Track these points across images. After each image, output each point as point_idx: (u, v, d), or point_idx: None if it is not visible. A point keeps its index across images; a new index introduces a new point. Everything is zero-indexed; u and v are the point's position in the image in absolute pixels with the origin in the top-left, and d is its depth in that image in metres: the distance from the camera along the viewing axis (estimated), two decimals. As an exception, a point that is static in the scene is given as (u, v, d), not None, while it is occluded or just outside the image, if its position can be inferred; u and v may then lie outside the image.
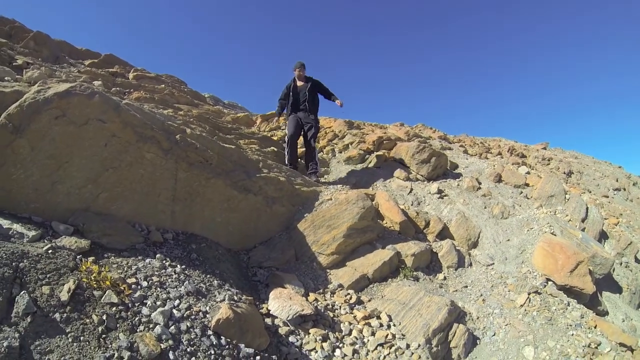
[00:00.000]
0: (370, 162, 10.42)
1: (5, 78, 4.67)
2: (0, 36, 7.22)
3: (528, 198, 9.43)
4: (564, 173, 11.00)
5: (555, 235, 7.73)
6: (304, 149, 9.70)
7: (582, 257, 6.81)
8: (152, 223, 5.19)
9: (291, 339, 4.61)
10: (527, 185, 10.03)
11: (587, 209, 9.32)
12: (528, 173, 10.96)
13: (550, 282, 6.71)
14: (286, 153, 9.25)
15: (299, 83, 9.52)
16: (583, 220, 8.84)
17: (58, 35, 9.65)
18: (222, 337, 3.89)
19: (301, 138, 9.56)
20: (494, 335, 5.77)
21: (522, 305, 6.20)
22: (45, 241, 3.85)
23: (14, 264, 3.26)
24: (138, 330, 3.41)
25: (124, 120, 4.94)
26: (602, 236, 9.08)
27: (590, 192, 11.40)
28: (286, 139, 9.32)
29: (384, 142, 11.07)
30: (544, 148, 15.17)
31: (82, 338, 3.05)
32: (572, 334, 5.61)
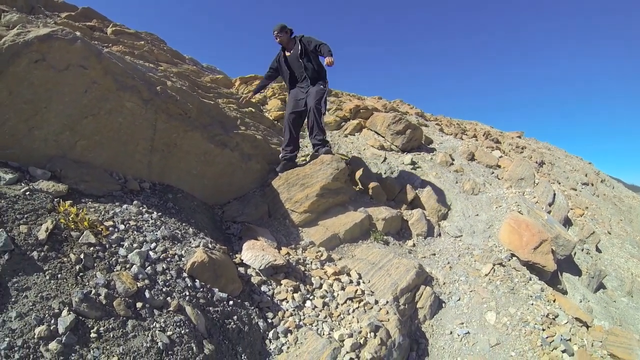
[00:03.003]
0: (346, 130, 10.50)
1: None
2: None
3: (499, 178, 9.68)
4: (536, 162, 11.28)
5: (522, 214, 7.99)
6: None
7: (546, 236, 7.06)
8: (130, 172, 5.19)
9: (263, 288, 4.72)
10: (499, 166, 10.28)
11: (554, 194, 9.60)
12: (501, 157, 11.15)
13: (514, 258, 6.97)
14: (283, 136, 7.64)
15: (288, 52, 7.70)
16: (550, 205, 9.12)
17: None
18: (196, 280, 4.00)
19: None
20: (459, 300, 6.01)
21: (486, 275, 6.44)
22: (22, 184, 3.82)
23: None
24: (115, 269, 3.47)
25: (106, 67, 4.86)
26: (567, 222, 9.40)
27: (559, 183, 11.71)
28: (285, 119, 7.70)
29: (361, 110, 11.14)
30: (519, 136, 15.45)
31: (59, 276, 3.09)
32: (532, 304, 5.87)
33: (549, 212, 8.77)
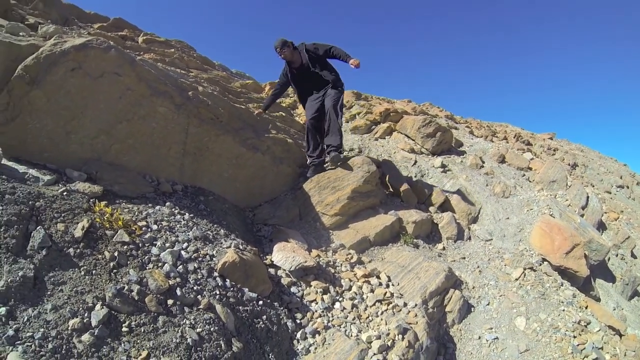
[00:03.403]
0: (376, 133, 10.46)
1: (20, 33, 4.70)
2: (5, 3, 7.18)
3: (530, 181, 9.50)
4: (569, 164, 11.05)
5: (554, 217, 7.85)
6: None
7: (578, 240, 6.92)
8: (162, 175, 5.31)
9: (293, 289, 4.75)
10: (530, 169, 10.09)
11: (587, 197, 9.39)
12: (532, 159, 10.95)
13: (546, 262, 6.81)
14: (305, 143, 7.36)
15: (295, 66, 7.19)
16: (583, 208, 8.92)
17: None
18: (227, 279, 4.04)
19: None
20: (488, 304, 5.92)
21: (517, 279, 6.33)
22: (60, 185, 3.96)
23: (30, 202, 3.37)
24: (147, 267, 3.56)
25: (139, 74, 5.01)
26: (601, 227, 9.15)
27: (593, 186, 11.40)
28: (305, 127, 7.33)
29: (391, 114, 11.06)
30: (551, 138, 15.02)
31: (94, 272, 3.18)
32: (564, 310, 5.74)
33: (582, 216, 8.57)
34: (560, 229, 7.11)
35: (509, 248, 7.22)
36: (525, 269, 6.51)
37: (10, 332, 2.49)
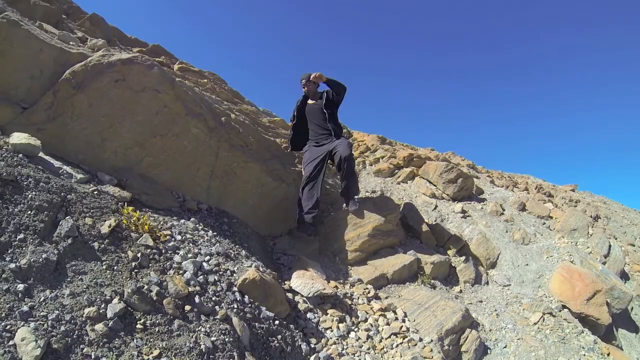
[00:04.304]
0: (399, 177, 10.43)
1: (70, 43, 4.90)
2: (55, 14, 7.52)
3: (551, 229, 9.25)
4: (591, 217, 10.75)
5: (574, 264, 7.63)
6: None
7: (600, 286, 6.68)
8: (189, 194, 5.34)
9: (309, 315, 4.65)
10: (551, 217, 9.83)
11: (610, 246, 9.08)
12: (553, 209, 10.66)
13: (565, 309, 6.55)
14: (298, 205, 6.43)
15: (311, 101, 7.02)
16: (605, 257, 8.59)
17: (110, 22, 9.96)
18: (246, 295, 4.00)
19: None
20: (505, 347, 5.70)
21: (535, 324, 6.12)
22: (92, 185, 4.01)
23: (62, 194, 3.42)
24: (168, 272, 3.55)
25: (177, 94, 5.13)
26: (623, 276, 8.77)
27: (616, 238, 11.00)
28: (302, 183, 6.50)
29: (414, 159, 11.06)
30: (573, 190, 14.65)
31: (115, 268, 3.19)
32: (584, 355, 5.52)
33: (604, 264, 8.30)
34: (581, 275, 6.87)
35: (527, 294, 7.00)
36: (544, 313, 6.29)
37: (25, 308, 2.47)
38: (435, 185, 10.04)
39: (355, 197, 6.89)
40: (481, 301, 6.73)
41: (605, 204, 13.03)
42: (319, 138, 6.81)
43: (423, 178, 10.39)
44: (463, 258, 7.49)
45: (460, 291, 6.87)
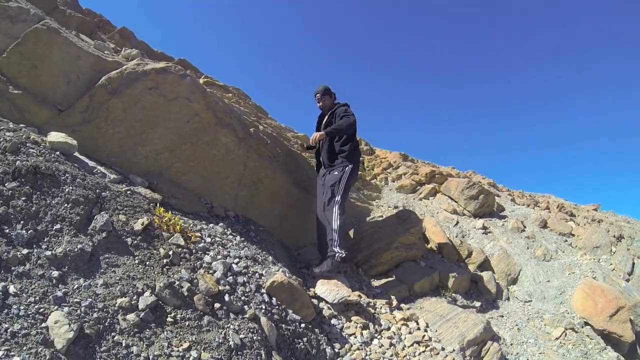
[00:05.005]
0: (421, 193, 10.37)
1: (105, 52, 4.99)
2: (90, 26, 7.70)
3: (572, 247, 9.01)
4: (614, 237, 10.50)
5: (597, 280, 7.44)
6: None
7: (623, 302, 6.46)
8: (216, 201, 5.34)
9: (333, 321, 4.60)
10: (573, 235, 9.59)
11: (633, 264, 8.76)
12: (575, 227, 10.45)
13: (588, 326, 6.33)
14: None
15: (323, 119, 6.24)
16: (629, 274, 8.36)
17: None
18: (273, 297, 3.98)
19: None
20: (527, 361, 5.58)
21: (557, 339, 5.94)
22: (125, 185, 4.06)
23: (97, 190, 3.45)
24: (198, 271, 3.53)
25: (208, 103, 5.18)
26: (648, 294, 8.60)
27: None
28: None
29: (436, 176, 11.01)
30: (595, 209, 14.23)
31: (147, 263, 3.19)
32: (608, 371, 5.38)
33: (628, 281, 8.07)
34: (604, 291, 6.66)
35: (549, 309, 6.82)
36: (566, 328, 6.10)
37: (59, 294, 2.48)
38: (456, 202, 9.95)
39: (330, 251, 5.42)
40: (502, 316, 6.57)
41: (629, 223, 12.68)
42: (322, 153, 6.10)
43: (445, 194, 10.32)
44: (484, 273, 7.35)
45: (481, 306, 6.72)
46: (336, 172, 5.70)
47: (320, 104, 6.29)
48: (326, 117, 6.14)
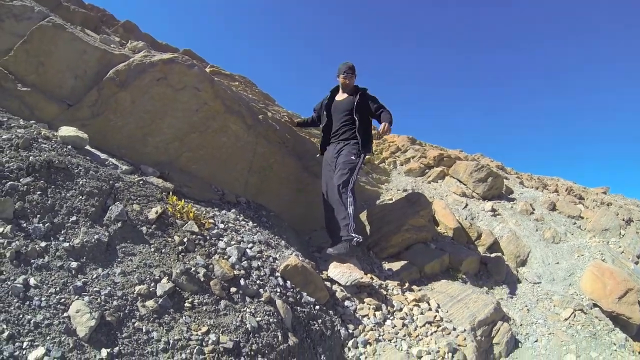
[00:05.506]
0: (429, 176, 10.33)
1: (112, 45, 4.98)
2: (94, 21, 7.68)
3: (581, 229, 8.97)
4: (623, 220, 10.38)
5: (605, 262, 7.39)
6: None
7: (632, 285, 6.38)
8: (227, 188, 5.37)
9: (346, 303, 4.63)
10: (582, 217, 9.50)
11: (643, 247, 8.73)
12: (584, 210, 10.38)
13: (596, 308, 6.27)
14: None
15: (340, 96, 6.09)
16: (638, 257, 8.26)
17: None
18: (287, 281, 4.01)
19: None
20: (536, 341, 5.53)
21: (566, 319, 5.92)
22: (137, 175, 4.08)
23: (110, 182, 3.48)
24: (213, 257, 3.55)
25: (216, 92, 5.16)
26: (657, 278, 8.53)
27: (650, 242, 10.70)
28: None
29: (444, 159, 10.96)
30: (604, 192, 13.95)
31: (163, 250, 3.22)
32: (616, 350, 5.31)
33: (637, 263, 8.01)
34: (613, 273, 6.59)
35: (558, 291, 6.78)
36: (575, 310, 6.07)
37: (79, 284, 2.52)
38: (465, 185, 9.89)
39: (346, 235, 5.26)
40: (511, 297, 6.57)
41: (638, 206, 12.53)
42: (337, 138, 5.89)
43: (453, 177, 10.26)
44: (493, 255, 7.33)
45: (491, 287, 6.72)
46: (353, 157, 5.51)
47: (348, 81, 5.96)
48: (347, 95, 5.95)
